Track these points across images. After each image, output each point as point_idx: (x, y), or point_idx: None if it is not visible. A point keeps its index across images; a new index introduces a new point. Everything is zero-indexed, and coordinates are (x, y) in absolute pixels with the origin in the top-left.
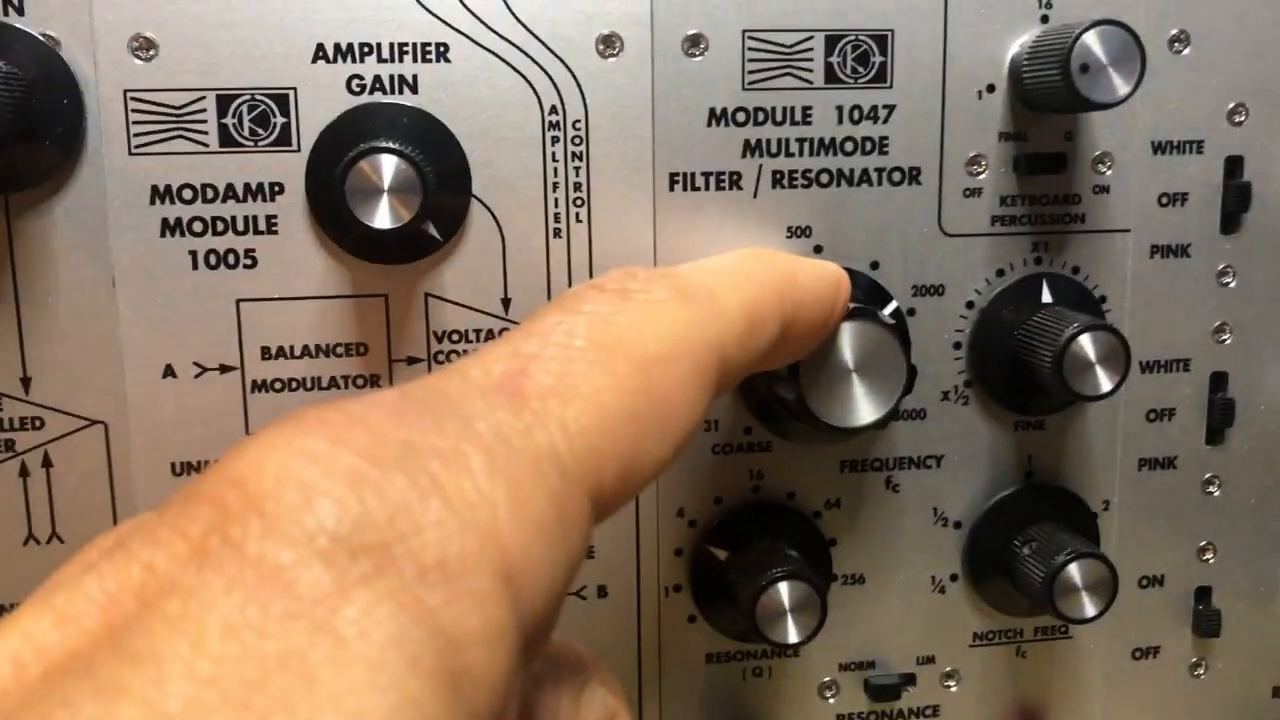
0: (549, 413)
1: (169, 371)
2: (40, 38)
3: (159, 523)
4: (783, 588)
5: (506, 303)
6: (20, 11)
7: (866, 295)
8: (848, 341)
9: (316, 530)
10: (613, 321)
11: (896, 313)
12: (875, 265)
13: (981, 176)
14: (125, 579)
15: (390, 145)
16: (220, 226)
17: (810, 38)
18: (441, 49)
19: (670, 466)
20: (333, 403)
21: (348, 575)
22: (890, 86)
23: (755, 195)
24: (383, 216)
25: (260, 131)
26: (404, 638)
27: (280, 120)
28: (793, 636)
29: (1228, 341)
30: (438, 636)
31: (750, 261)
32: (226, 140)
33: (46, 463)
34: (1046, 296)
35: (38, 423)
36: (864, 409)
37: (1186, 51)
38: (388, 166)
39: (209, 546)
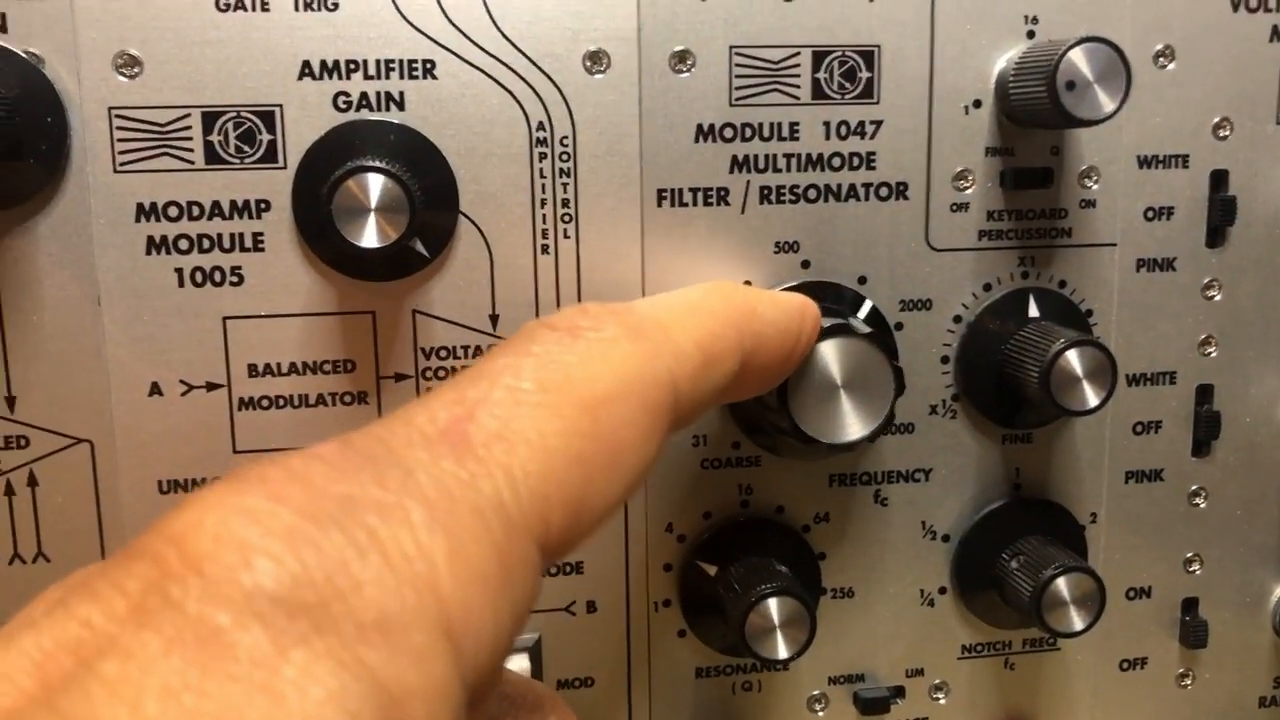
0: (494, 460)
1: (155, 389)
2: (24, 55)
3: (100, 577)
4: (772, 603)
5: (494, 319)
6: (3, 29)
7: (851, 307)
8: (832, 359)
9: (255, 591)
10: (560, 361)
11: (873, 314)
12: (863, 280)
13: (968, 191)
14: (62, 635)
15: (377, 164)
16: (206, 244)
17: (797, 54)
18: (428, 66)
19: (624, 503)
20: (274, 458)
21: (286, 635)
22: (877, 102)
23: (743, 211)
24: (370, 236)
25: (246, 148)
26: (344, 694)
27: (266, 137)
28: (782, 652)
29: (1213, 354)
30: (378, 693)
31: (708, 295)
32: (212, 157)
33: (32, 481)
34: (1034, 311)
35: (23, 441)
36: (854, 424)
37: (1171, 66)
38: (375, 186)
39: (148, 605)
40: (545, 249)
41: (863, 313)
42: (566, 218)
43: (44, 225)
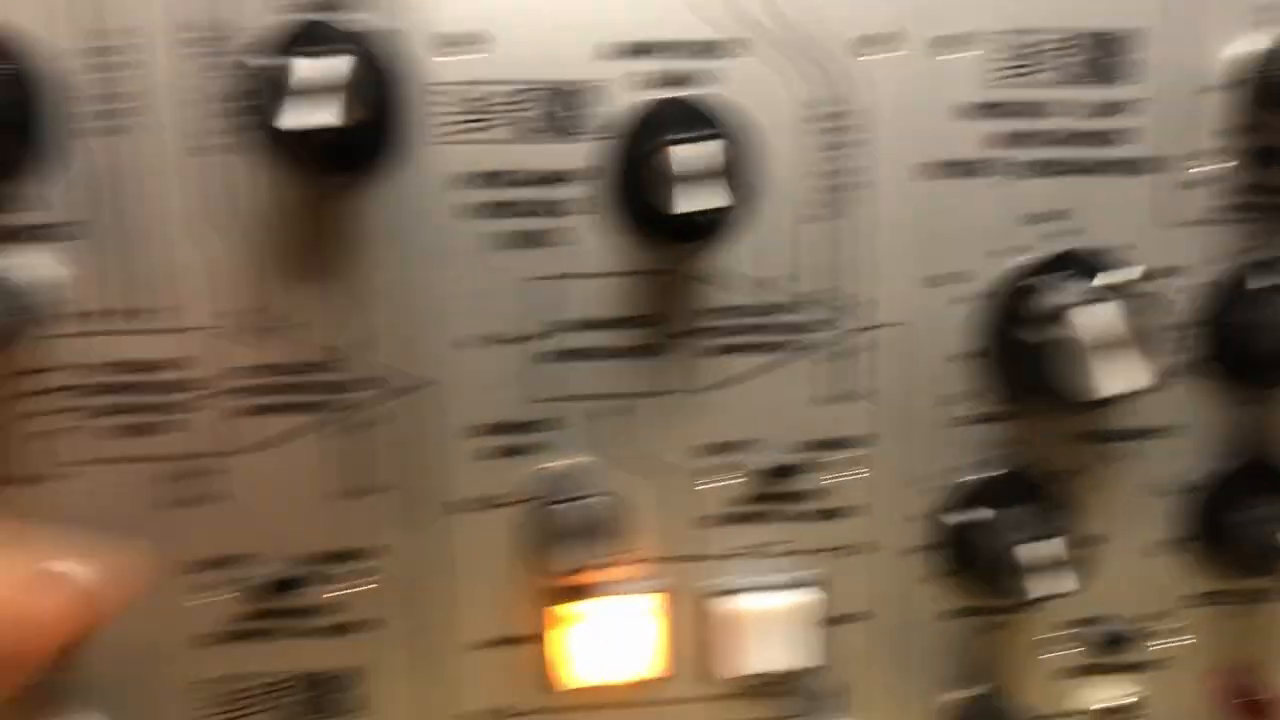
0: None
1: (468, 343)
2: (360, 31)
3: None
4: (1034, 548)
5: (764, 282)
6: (340, 8)
7: (1110, 273)
8: (1095, 320)
9: None
10: None
11: (1134, 280)
12: (1113, 249)
13: (1214, 168)
14: None
15: (694, 134)
16: (519, 210)
17: (1054, 36)
18: (721, 47)
19: None
20: None
21: None
22: (1129, 82)
23: (1003, 184)
24: (684, 203)
25: (559, 122)
26: None
27: (578, 112)
28: (1046, 591)
29: None
30: None
31: None
32: (527, 130)
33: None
34: (1276, 279)
35: (356, 385)
36: (1114, 382)
37: None
38: (698, 153)
39: None
40: (818, 218)
41: (1125, 277)
42: (839, 188)
43: (374, 191)
